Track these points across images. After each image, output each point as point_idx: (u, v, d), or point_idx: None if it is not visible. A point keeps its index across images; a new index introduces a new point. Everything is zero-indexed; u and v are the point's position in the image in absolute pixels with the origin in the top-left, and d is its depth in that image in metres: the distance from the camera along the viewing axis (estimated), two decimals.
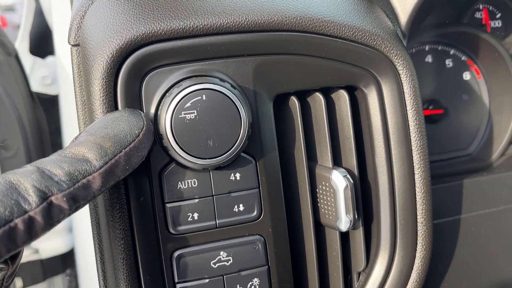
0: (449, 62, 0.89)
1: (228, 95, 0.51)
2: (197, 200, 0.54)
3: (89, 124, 0.55)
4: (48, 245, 1.13)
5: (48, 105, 1.22)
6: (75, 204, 0.41)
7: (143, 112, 0.51)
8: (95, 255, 0.58)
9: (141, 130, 0.47)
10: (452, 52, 0.90)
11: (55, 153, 0.44)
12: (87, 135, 0.46)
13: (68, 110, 1.20)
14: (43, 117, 1.18)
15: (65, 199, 0.40)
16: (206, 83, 0.51)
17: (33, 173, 0.40)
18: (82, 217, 1.15)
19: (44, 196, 0.39)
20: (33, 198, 0.39)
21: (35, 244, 1.13)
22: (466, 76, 0.90)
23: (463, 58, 0.90)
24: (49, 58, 1.21)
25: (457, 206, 0.72)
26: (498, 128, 0.91)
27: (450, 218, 0.71)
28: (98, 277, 0.57)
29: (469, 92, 0.91)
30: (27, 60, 1.16)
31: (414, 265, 0.62)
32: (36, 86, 1.18)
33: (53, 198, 0.40)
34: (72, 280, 1.41)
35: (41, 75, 1.18)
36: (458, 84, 0.90)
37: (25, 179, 0.40)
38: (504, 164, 0.88)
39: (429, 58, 0.89)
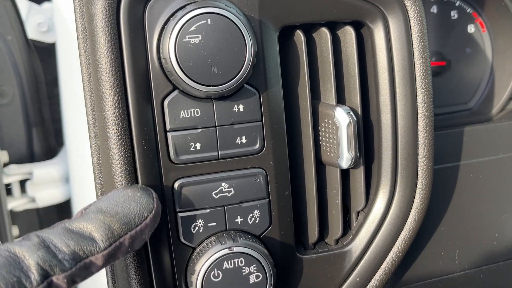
0: (454, 14, 0.88)
1: (233, 20, 0.50)
2: (199, 130, 0.54)
3: (90, 53, 0.54)
4: (44, 194, 1.13)
5: (44, 54, 1.20)
6: (73, 283, 0.42)
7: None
8: (95, 185, 0.57)
9: (150, 213, 0.48)
10: (457, 3, 0.88)
11: (62, 224, 0.45)
12: (97, 211, 0.46)
13: (65, 59, 1.18)
14: (39, 65, 1.15)
15: (65, 280, 0.41)
16: (212, 7, 0.50)
17: (39, 249, 0.41)
18: (79, 167, 1.14)
19: (46, 275, 0.40)
20: (35, 276, 0.39)
21: (32, 193, 1.13)
22: (471, 29, 0.89)
23: (469, 10, 0.89)
24: (46, 4, 1.18)
25: (457, 153, 0.72)
26: (499, 83, 0.91)
27: (450, 164, 0.71)
28: None
29: (473, 46, 0.90)
30: (23, 5, 1.13)
31: (413, 205, 0.62)
32: (32, 33, 1.15)
33: (54, 278, 0.40)
34: None
35: (37, 21, 1.15)
36: (462, 36, 0.89)
37: (30, 255, 0.40)
38: (504, 118, 0.88)
39: (434, 9, 0.87)
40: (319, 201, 0.62)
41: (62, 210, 1.22)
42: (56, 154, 1.23)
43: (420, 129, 0.60)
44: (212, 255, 0.53)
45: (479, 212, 0.72)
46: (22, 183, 1.15)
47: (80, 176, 1.15)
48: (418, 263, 0.69)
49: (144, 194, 0.49)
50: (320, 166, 0.63)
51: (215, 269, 0.53)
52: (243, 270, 0.54)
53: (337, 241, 0.64)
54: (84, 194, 1.15)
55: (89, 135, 0.57)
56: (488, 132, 0.75)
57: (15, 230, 1.15)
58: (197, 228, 0.56)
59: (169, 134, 0.53)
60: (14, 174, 1.11)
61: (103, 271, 0.60)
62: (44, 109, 1.18)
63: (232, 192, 0.56)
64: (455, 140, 0.72)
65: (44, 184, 1.15)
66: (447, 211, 0.70)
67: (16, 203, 1.13)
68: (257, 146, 0.56)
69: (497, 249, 0.73)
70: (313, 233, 0.62)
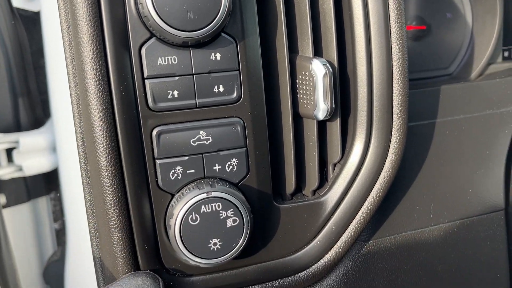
0: None
1: None
2: (177, 77, 0.55)
3: (70, 12, 0.54)
4: (31, 162, 1.14)
5: (29, 23, 1.19)
6: None
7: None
8: (75, 134, 0.58)
9: None
10: None
11: None
12: None
13: (50, 28, 1.17)
14: (24, 35, 1.15)
15: None
16: None
17: None
18: (66, 137, 1.15)
19: None
20: None
21: (19, 161, 1.14)
22: None
23: None
24: None
25: (432, 111, 0.74)
26: (478, 49, 0.93)
27: (425, 121, 0.73)
28: (78, 152, 0.58)
29: (453, 11, 0.91)
30: None
31: (388, 156, 0.64)
32: (16, 1, 1.15)
33: None
34: (56, 204, 1.42)
35: None
36: (443, 1, 0.90)
37: None
38: None
39: None
40: (296, 154, 0.63)
41: (49, 179, 1.22)
42: (43, 124, 1.23)
43: (395, 81, 0.62)
44: (190, 199, 0.55)
45: (453, 168, 0.74)
46: (9, 152, 1.15)
47: (67, 145, 1.16)
48: (394, 216, 0.71)
49: (153, 283, 0.56)
50: (298, 119, 0.64)
51: (193, 213, 0.55)
52: (220, 214, 0.56)
53: (314, 192, 0.66)
54: (72, 164, 1.15)
55: (69, 86, 0.58)
56: (464, 91, 0.76)
57: (2, 198, 1.16)
58: (175, 175, 0.57)
59: (146, 81, 0.54)
60: (1, 142, 1.12)
61: (85, 221, 0.62)
62: (30, 79, 1.18)
63: (210, 140, 0.57)
64: (431, 98, 0.74)
65: (31, 153, 1.16)
66: (422, 166, 0.72)
67: (3, 172, 1.13)
68: (235, 95, 0.57)
69: (470, 204, 0.75)
70: (290, 184, 0.64)
